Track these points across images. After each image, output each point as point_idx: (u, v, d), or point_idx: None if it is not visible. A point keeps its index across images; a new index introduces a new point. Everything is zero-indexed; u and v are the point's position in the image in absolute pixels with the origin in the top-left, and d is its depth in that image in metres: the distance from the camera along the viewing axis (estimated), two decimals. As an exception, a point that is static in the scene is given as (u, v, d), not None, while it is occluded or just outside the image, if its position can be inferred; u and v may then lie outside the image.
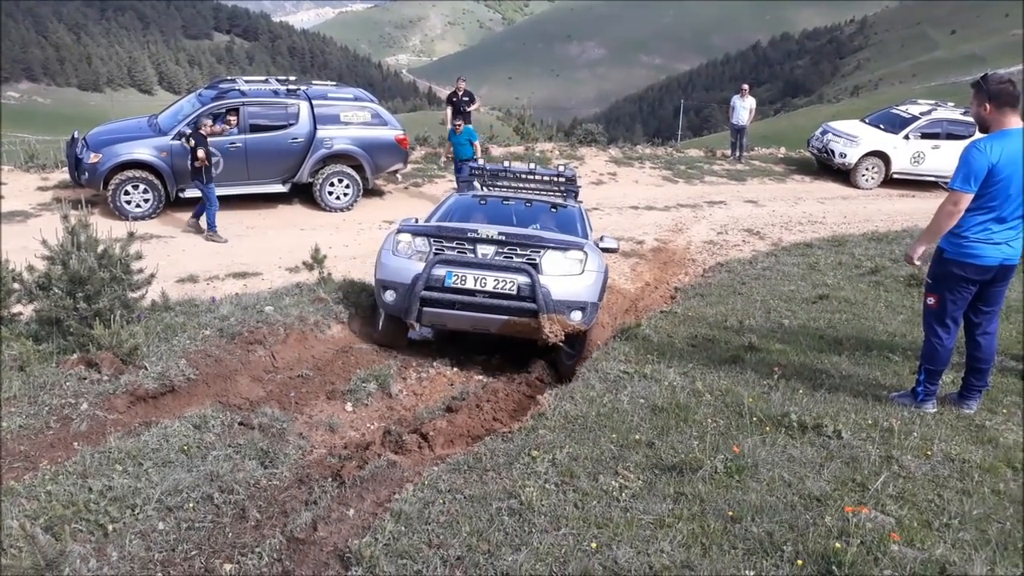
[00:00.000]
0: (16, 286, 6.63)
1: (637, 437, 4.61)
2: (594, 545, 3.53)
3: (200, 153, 11.15)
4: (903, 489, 3.99)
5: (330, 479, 4.44)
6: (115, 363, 5.75)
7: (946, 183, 17.50)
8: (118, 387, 5.42)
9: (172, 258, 10.15)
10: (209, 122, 11.63)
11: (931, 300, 5.10)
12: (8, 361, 5.65)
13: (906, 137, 17.95)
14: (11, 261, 6.62)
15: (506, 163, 10.04)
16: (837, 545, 3.37)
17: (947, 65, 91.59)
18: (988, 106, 4.82)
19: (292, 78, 14.43)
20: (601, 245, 8.14)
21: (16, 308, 6.76)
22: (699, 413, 4.99)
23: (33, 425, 4.80)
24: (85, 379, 5.49)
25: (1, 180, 13.81)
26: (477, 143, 13.09)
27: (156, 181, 12.15)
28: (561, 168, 9.94)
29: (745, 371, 5.92)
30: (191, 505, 4.01)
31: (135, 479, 4.16)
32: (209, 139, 12.40)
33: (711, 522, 3.69)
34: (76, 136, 12.79)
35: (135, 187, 12.05)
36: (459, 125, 13.04)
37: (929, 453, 4.39)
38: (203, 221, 11.66)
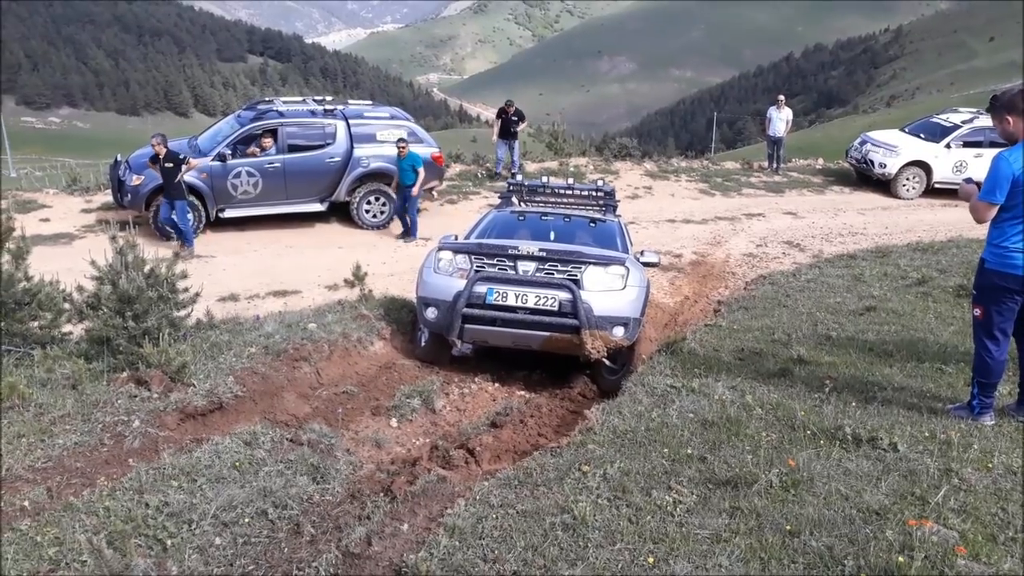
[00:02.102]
0: (66, 306, 6.78)
1: (688, 452, 4.56)
2: (651, 560, 3.48)
3: (193, 162, 11.67)
4: (965, 503, 3.89)
5: (381, 494, 4.44)
6: (164, 381, 5.82)
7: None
8: (168, 404, 5.48)
9: (213, 277, 10.28)
10: (194, 161, 11.87)
11: (977, 312, 5.02)
12: (60, 380, 5.75)
13: (947, 146, 17.69)
14: (60, 281, 6.76)
15: (544, 178, 10.05)
16: (900, 559, 3.29)
17: (986, 73, 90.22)
18: (1009, 119, 4.76)
19: (329, 98, 14.62)
20: (642, 259, 8.11)
21: (66, 327, 6.90)
22: (751, 427, 4.91)
23: (88, 442, 4.86)
24: (136, 397, 5.55)
25: (46, 203, 14.13)
26: (421, 170, 12.73)
27: (197, 202, 12.34)
28: (599, 183, 9.92)
29: (795, 384, 5.84)
30: (246, 520, 4.04)
31: (190, 495, 4.20)
32: (248, 159, 12.62)
33: (769, 536, 3.62)
34: (119, 159, 13.06)
35: (176, 208, 12.22)
36: (404, 148, 12.70)
37: (990, 466, 4.28)
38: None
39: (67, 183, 16.07)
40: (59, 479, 4.34)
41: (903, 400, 5.43)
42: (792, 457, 4.38)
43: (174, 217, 11.56)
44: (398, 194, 13.06)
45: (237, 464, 4.64)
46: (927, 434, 4.74)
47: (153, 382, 5.78)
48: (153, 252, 6.83)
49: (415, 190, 12.71)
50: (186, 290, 6.91)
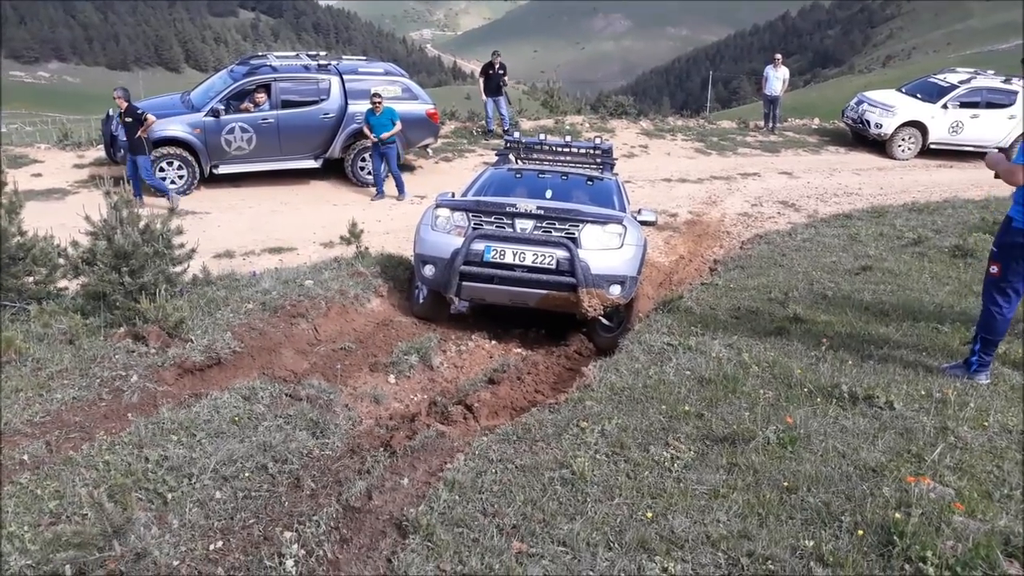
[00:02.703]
0: (61, 261, 6.73)
1: (686, 408, 4.59)
2: (649, 515, 3.52)
3: (150, 118, 11.38)
4: (960, 460, 3.93)
5: (381, 449, 4.47)
6: (162, 336, 5.81)
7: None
8: (166, 359, 5.48)
9: (208, 234, 10.23)
10: (152, 117, 11.54)
11: (994, 268, 5.01)
12: (57, 335, 5.73)
13: (944, 106, 17.56)
14: (55, 237, 6.71)
15: (541, 136, 9.96)
16: (897, 515, 3.33)
17: (982, 34, 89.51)
18: None
19: (323, 53, 14.41)
20: (639, 218, 8.08)
21: (61, 283, 6.86)
22: (747, 385, 4.94)
23: (86, 397, 4.87)
24: (133, 352, 5.55)
25: (37, 159, 13.98)
26: (398, 123, 12.46)
27: (190, 157, 12.24)
28: (597, 140, 9.85)
29: (791, 342, 5.86)
30: (246, 475, 4.06)
31: (190, 449, 4.21)
32: (241, 115, 12.47)
33: (766, 492, 3.66)
34: (111, 114, 12.88)
35: (170, 164, 12.15)
36: (379, 103, 12.33)
37: (986, 424, 4.32)
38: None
39: (58, 138, 15.85)
40: (58, 433, 4.35)
41: (899, 358, 5.46)
42: (789, 414, 4.41)
43: (142, 175, 11.44)
44: (373, 151, 12.77)
45: (236, 419, 4.65)
46: (923, 393, 4.77)
47: (150, 337, 5.78)
48: (149, 209, 6.76)
49: (386, 136, 12.39)
50: (182, 246, 6.87)
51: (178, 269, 6.83)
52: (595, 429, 4.32)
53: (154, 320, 5.88)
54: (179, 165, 12.19)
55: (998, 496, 3.61)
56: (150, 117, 11.30)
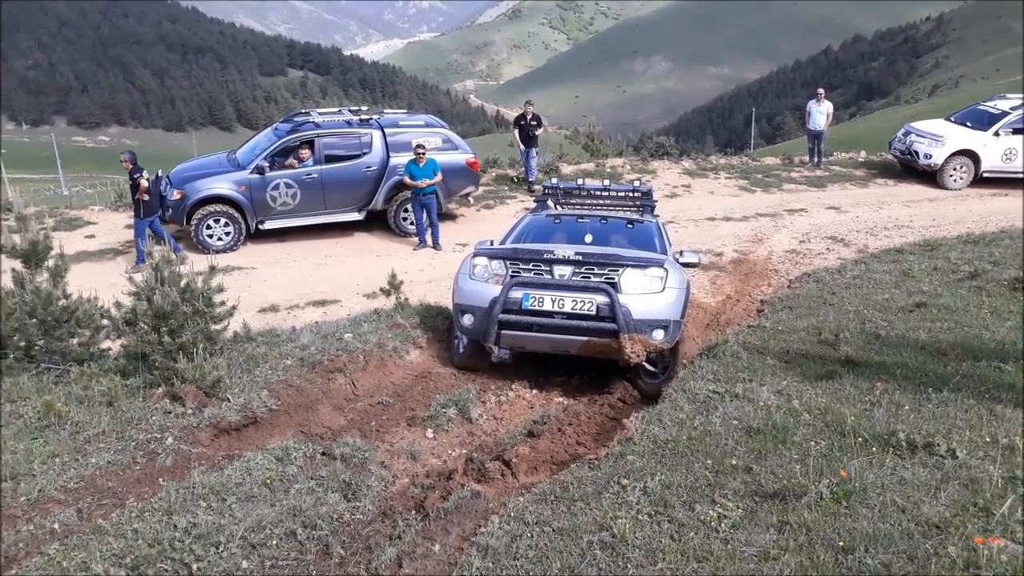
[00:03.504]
0: (105, 322, 6.80)
1: (733, 462, 4.36)
2: (695, 580, 3.31)
3: (143, 184, 11.32)
4: (1032, 514, 3.65)
5: (414, 511, 4.33)
6: (199, 396, 5.80)
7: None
8: (202, 420, 5.44)
9: (254, 289, 10.31)
10: (145, 183, 11.48)
11: None
12: (97, 396, 5.74)
13: (996, 134, 17.08)
14: (99, 298, 6.78)
15: (580, 181, 9.89)
16: (965, 578, 3.07)
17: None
18: None
19: (364, 108, 14.62)
20: (681, 260, 7.91)
21: (106, 344, 6.92)
22: (798, 434, 4.70)
23: (120, 460, 4.84)
24: (170, 413, 5.53)
25: (91, 220, 14.35)
26: (439, 175, 12.49)
27: (236, 214, 12.42)
28: (636, 183, 9.72)
29: (844, 387, 5.60)
30: (274, 542, 3.95)
31: (219, 515, 4.12)
32: (286, 171, 12.67)
33: (820, 553, 3.42)
34: (160, 175, 13.20)
35: (216, 221, 12.35)
36: (422, 154, 12.39)
37: (1059, 473, 4.03)
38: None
39: (114, 199, 16.32)
40: (90, 500, 4.31)
41: (960, 402, 5.17)
42: (843, 467, 4.16)
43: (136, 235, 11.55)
44: (414, 201, 12.83)
45: (268, 481, 4.57)
46: (988, 439, 4.48)
47: (188, 397, 5.76)
48: (197, 265, 6.81)
49: (425, 184, 12.41)
50: (223, 303, 6.89)
51: (218, 327, 6.85)
52: (637, 487, 4.13)
53: (191, 380, 5.87)
54: (225, 222, 12.38)
55: (1077, 554, 3.32)
56: (143, 182, 11.44)
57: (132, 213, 12.56)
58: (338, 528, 4.18)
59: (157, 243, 7.01)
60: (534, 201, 9.99)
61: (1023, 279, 8.27)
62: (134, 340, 6.29)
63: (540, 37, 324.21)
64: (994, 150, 17.05)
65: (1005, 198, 16.40)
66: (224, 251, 12.24)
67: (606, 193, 9.67)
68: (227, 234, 12.46)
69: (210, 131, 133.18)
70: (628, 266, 7.01)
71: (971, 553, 3.29)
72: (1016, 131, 17.09)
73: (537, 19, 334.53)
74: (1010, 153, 17.00)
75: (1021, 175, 17.15)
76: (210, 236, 12.34)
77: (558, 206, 9.72)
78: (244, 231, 12.59)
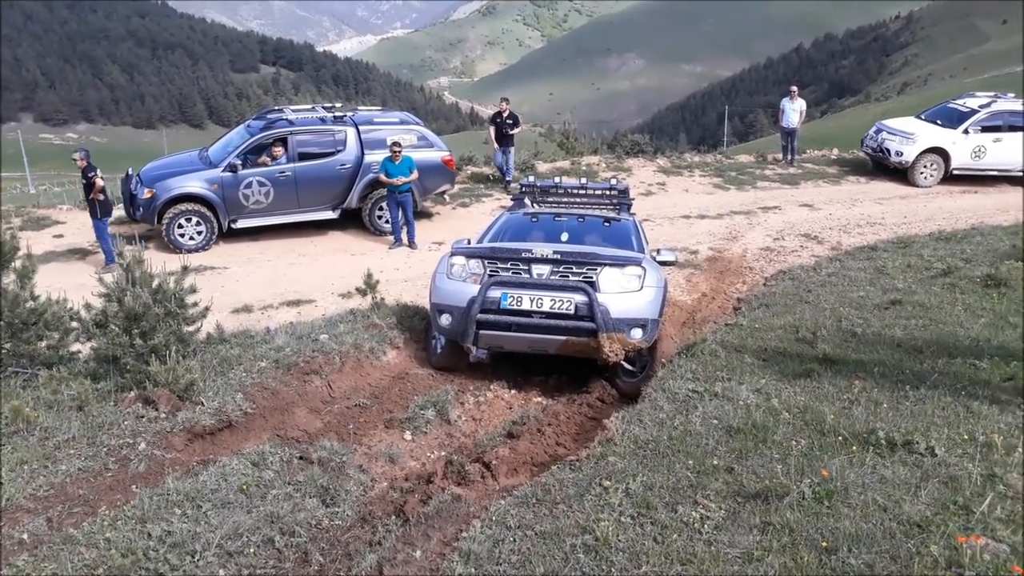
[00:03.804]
0: (74, 324, 6.66)
1: (715, 462, 4.35)
2: (679, 583, 3.29)
3: (99, 183, 11.06)
4: (1012, 512, 3.66)
5: (394, 516, 4.27)
6: (172, 400, 5.69)
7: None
8: (175, 424, 5.34)
9: (227, 288, 10.16)
10: (100, 181, 11.19)
11: None
12: (67, 401, 5.61)
13: (965, 131, 17.29)
14: (68, 300, 6.63)
15: (557, 179, 9.85)
16: (948, 578, 3.08)
17: (1000, 57, 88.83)
18: None
19: (338, 105, 14.47)
20: (659, 258, 7.91)
21: (75, 346, 6.77)
22: (778, 433, 4.70)
23: (92, 467, 4.73)
24: (142, 417, 5.42)
25: (59, 219, 14.08)
26: (415, 171, 12.36)
27: (208, 213, 12.24)
28: (613, 181, 9.71)
29: (822, 385, 5.61)
30: (252, 550, 3.88)
31: (194, 523, 4.04)
32: (258, 169, 12.50)
33: (804, 554, 3.41)
34: (130, 173, 12.98)
35: (188, 220, 12.15)
36: (398, 152, 12.25)
37: (1036, 470, 4.05)
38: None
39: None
40: (60, 508, 4.20)
41: (937, 400, 5.19)
42: (824, 466, 4.16)
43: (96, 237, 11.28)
44: (390, 199, 12.73)
45: (244, 487, 4.48)
46: (966, 436, 4.50)
47: (160, 401, 5.66)
48: (162, 266, 6.67)
49: (400, 181, 12.32)
50: (195, 304, 6.77)
51: (191, 329, 6.73)
52: (619, 488, 4.10)
53: (164, 383, 5.76)
54: (197, 221, 12.19)
55: (1057, 552, 3.34)
56: (98, 181, 11.21)
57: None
58: (317, 535, 4.11)
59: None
60: (511, 199, 9.94)
61: (995, 276, 8.32)
62: (105, 343, 6.16)
63: (514, 34, 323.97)
64: (964, 148, 17.25)
65: (975, 195, 16.62)
66: (196, 251, 12.05)
67: (583, 191, 9.64)
68: (199, 233, 12.26)
69: (181, 128, 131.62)
70: (606, 265, 6.99)
71: (953, 552, 3.30)
72: (985, 129, 17.31)
73: (511, 16, 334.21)
74: (979, 151, 17.22)
75: (990, 172, 17.40)
76: (182, 235, 12.14)
77: (535, 204, 9.68)
78: (216, 230, 12.40)
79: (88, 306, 6.43)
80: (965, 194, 16.74)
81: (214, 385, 6.08)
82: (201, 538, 3.88)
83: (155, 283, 6.51)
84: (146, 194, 12.09)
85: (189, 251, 11.88)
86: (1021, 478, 3.94)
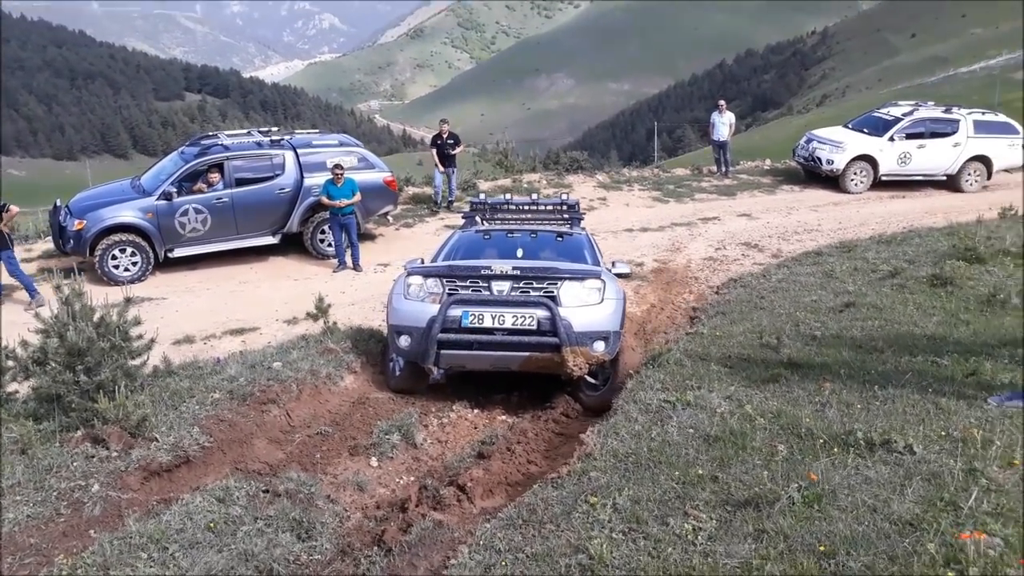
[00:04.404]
0: (10, 363, 6.28)
1: (699, 472, 4.29)
2: (681, 598, 3.20)
3: (13, 211, 10.72)
4: (998, 504, 3.68)
5: (374, 547, 4.07)
6: (123, 437, 5.39)
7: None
8: (130, 463, 5.06)
9: (166, 320, 9.80)
10: (15, 208, 10.83)
11: None
12: (8, 444, 5.27)
13: (891, 139, 17.90)
14: (2, 337, 6.26)
15: (507, 195, 9.79)
16: (950, 575, 3.05)
17: (910, 69, 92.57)
18: None
19: (274, 129, 14.20)
20: (614, 271, 7.89)
21: (12, 387, 6.39)
22: (757, 439, 4.67)
23: (42, 514, 4.42)
24: (93, 457, 5.12)
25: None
26: (358, 194, 12.25)
27: (143, 243, 11.83)
28: (563, 196, 9.69)
29: (791, 389, 5.62)
30: (228, 591, 3.65)
31: (162, 566, 3.79)
32: (194, 196, 12.14)
33: (803, 560, 3.36)
34: (58, 204, 12.48)
35: (122, 251, 11.73)
36: (340, 174, 12.10)
37: (1015, 462, 4.08)
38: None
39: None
40: (11, 560, 3.90)
41: (906, 398, 5.24)
42: (810, 469, 4.13)
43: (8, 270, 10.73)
44: (333, 222, 12.45)
45: (212, 525, 4.24)
46: (942, 433, 4.53)
47: (111, 439, 5.35)
48: (103, 299, 6.36)
49: (344, 203, 12.12)
50: (140, 337, 6.46)
51: (137, 362, 6.41)
52: (606, 504, 3.99)
53: (114, 420, 5.46)
54: (132, 252, 11.76)
55: (1049, 543, 3.35)
56: (13, 208, 10.78)
57: None
58: (296, 571, 3.90)
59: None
60: (462, 217, 9.84)
61: (940, 275, 8.52)
62: (46, 381, 5.81)
63: (443, 56, 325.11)
64: (890, 154, 17.84)
65: (903, 200, 17.17)
66: (132, 282, 11.61)
67: (534, 207, 9.59)
68: (134, 264, 11.84)
69: (104, 159, 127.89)
70: (566, 279, 6.93)
71: (950, 549, 3.28)
72: (909, 136, 17.94)
73: (439, 39, 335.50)
74: (905, 157, 17.83)
75: (916, 177, 18.01)
76: (116, 267, 11.70)
77: (485, 222, 9.59)
78: (152, 260, 11.99)
79: (25, 343, 6.07)
80: (894, 199, 17.29)
81: (167, 420, 5.79)
82: (172, 582, 3.64)
83: (97, 316, 6.21)
84: (76, 225, 11.63)
85: (124, 283, 11.43)
86: (1002, 471, 3.96)
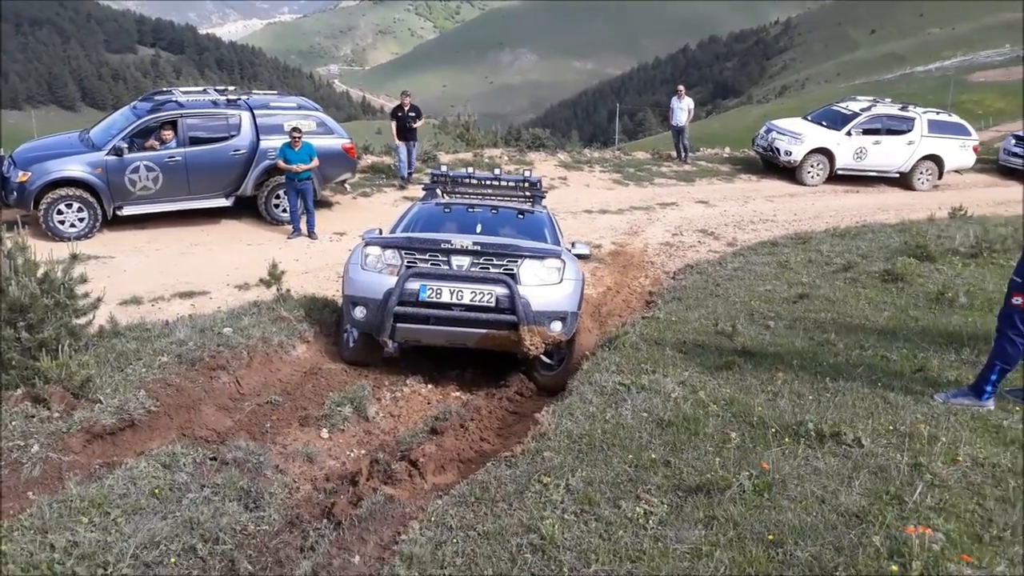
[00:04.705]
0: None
1: (651, 456, 4.31)
2: (631, 581, 3.21)
3: None
4: (942, 500, 3.77)
5: (324, 520, 4.02)
6: (66, 398, 5.24)
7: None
8: (72, 424, 4.91)
9: (113, 279, 9.52)
10: None
11: (1018, 300, 4.96)
12: (-59, 402, 5.09)
13: (848, 133, 18.18)
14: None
15: (469, 169, 9.69)
16: (894, 568, 3.12)
17: (869, 64, 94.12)
18: None
19: (231, 88, 13.84)
20: (574, 252, 7.87)
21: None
22: (709, 426, 4.71)
23: (-23, 474, 4.27)
24: (33, 417, 4.96)
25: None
26: (315, 160, 12.06)
27: (91, 199, 11.47)
28: (525, 173, 9.63)
29: (745, 377, 5.68)
30: (172, 560, 3.56)
31: (104, 532, 3.68)
32: (146, 153, 11.81)
33: (751, 548, 3.40)
34: (2, 154, 12.02)
35: (68, 206, 11.35)
36: (298, 138, 11.88)
37: (958, 459, 4.18)
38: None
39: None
40: (-55, 520, 3.76)
41: (856, 391, 5.33)
42: (762, 458, 4.18)
43: None
44: (289, 187, 12.21)
45: (156, 491, 4.13)
46: (890, 427, 4.63)
47: (53, 399, 5.19)
48: (47, 254, 6.14)
49: (300, 168, 11.91)
50: (86, 295, 6.27)
51: (82, 321, 6.23)
52: (559, 484, 4.00)
53: (56, 380, 5.30)
54: (79, 207, 11.40)
55: (988, 539, 3.45)
56: None
57: None
58: (243, 541, 3.82)
59: None
60: (423, 189, 9.72)
61: (891, 271, 8.69)
62: (-15, 337, 5.61)
63: (406, 23, 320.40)
64: (847, 148, 18.13)
65: (857, 195, 17.48)
66: (78, 238, 11.25)
67: (496, 183, 9.51)
68: (80, 220, 11.47)
69: (51, 109, 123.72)
70: (527, 257, 6.89)
71: (894, 542, 3.35)
72: (866, 132, 18.23)
73: (403, 5, 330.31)
74: (861, 152, 18.13)
75: (870, 173, 18.33)
76: (61, 222, 11.34)
77: (445, 195, 9.49)
78: (100, 217, 11.63)
79: (-38, 297, 5.85)
80: (848, 193, 17.59)
81: (112, 382, 5.64)
82: (113, 548, 3.53)
83: (41, 272, 6.00)
84: (20, 177, 11.22)
85: (70, 239, 11.07)
86: (946, 467, 4.06)
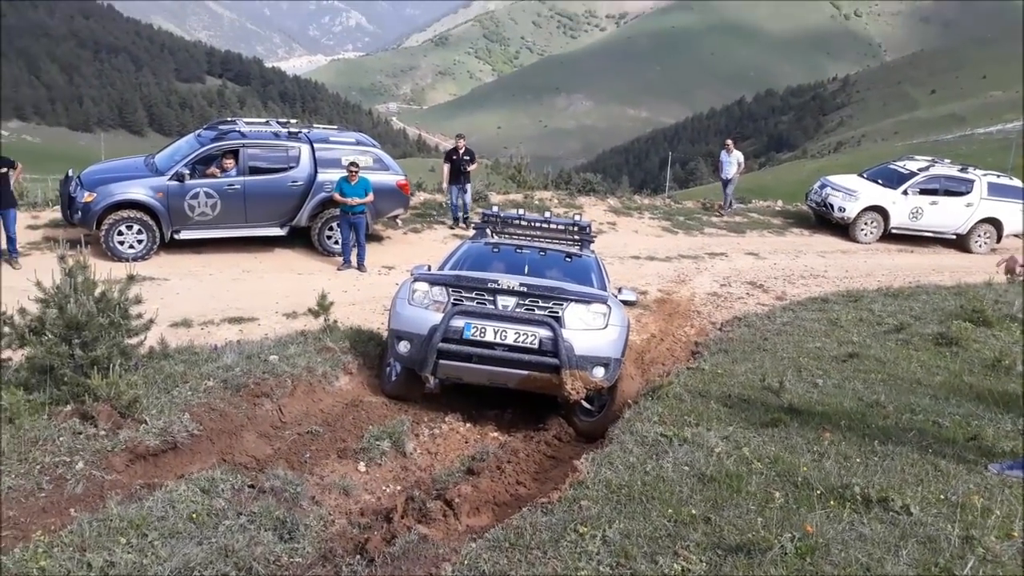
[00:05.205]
0: (6, 330, 6.22)
1: (691, 511, 4.21)
2: (666, 642, 3.13)
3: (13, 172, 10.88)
4: (994, 576, 3.62)
5: (357, 555, 4.00)
6: (113, 416, 5.33)
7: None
8: (116, 443, 4.99)
9: (165, 301, 9.73)
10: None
11: None
12: (-3, 412, 5.21)
13: (904, 192, 17.91)
14: (2, 303, 6.20)
15: (519, 210, 9.75)
16: (943, 647, 2.98)
17: (927, 124, 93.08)
18: None
19: (293, 121, 14.20)
20: (620, 298, 7.83)
21: (5, 353, 6.32)
22: (752, 484, 4.60)
23: (23, 486, 4.35)
24: (80, 434, 5.05)
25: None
26: (370, 195, 12.19)
27: (151, 222, 11.79)
28: (575, 217, 9.66)
29: (790, 436, 5.55)
30: (205, 586, 3.58)
31: (140, 553, 3.71)
32: (207, 180, 12.12)
33: (792, 614, 3.29)
34: (70, 175, 12.45)
35: (129, 227, 11.69)
36: (355, 173, 12.08)
37: (1014, 533, 4.01)
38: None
39: (17, 196, 15.28)
40: (-12, 532, 3.83)
41: (905, 456, 5.17)
42: (806, 521, 4.05)
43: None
44: (342, 220, 12.39)
45: (194, 516, 4.16)
46: (940, 496, 4.47)
47: (100, 417, 5.29)
48: (106, 274, 6.30)
49: (356, 202, 12.10)
50: (139, 316, 6.41)
51: (134, 341, 6.36)
52: (596, 535, 3.92)
53: (105, 398, 5.40)
54: (139, 229, 11.73)
55: (1044, 622, 3.29)
56: (19, 165, 10.89)
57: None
58: (275, 572, 3.82)
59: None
60: (473, 228, 9.79)
61: (946, 335, 8.47)
62: (41, 351, 5.75)
63: (465, 66, 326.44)
64: (902, 208, 17.84)
65: (911, 254, 17.16)
66: (135, 260, 11.55)
67: (545, 225, 9.54)
68: (139, 242, 11.80)
69: (119, 133, 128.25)
70: (572, 301, 6.87)
71: (942, 617, 3.22)
72: (923, 192, 17.94)
73: (463, 48, 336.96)
74: (916, 212, 17.83)
75: (926, 233, 18.00)
76: (121, 243, 11.67)
77: (495, 235, 9.54)
78: (158, 240, 11.96)
79: (23, 311, 6.02)
80: (902, 253, 17.28)
81: (158, 403, 5.72)
82: (149, 571, 3.56)
83: (99, 291, 6.16)
84: (86, 197, 11.61)
85: (128, 260, 11.38)
86: (1000, 542, 3.89)
